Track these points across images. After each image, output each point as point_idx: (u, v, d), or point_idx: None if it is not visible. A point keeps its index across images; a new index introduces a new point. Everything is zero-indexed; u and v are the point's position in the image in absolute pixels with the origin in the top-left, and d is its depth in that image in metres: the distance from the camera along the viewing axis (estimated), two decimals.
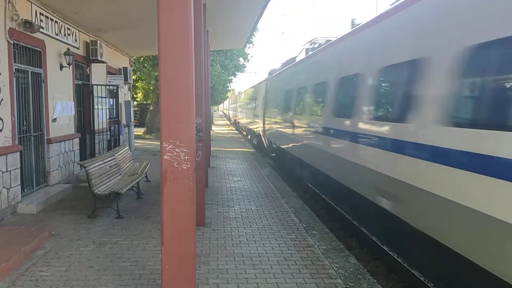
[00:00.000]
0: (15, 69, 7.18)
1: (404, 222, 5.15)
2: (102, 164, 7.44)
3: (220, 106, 65.16)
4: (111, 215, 6.90)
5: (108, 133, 12.72)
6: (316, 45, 10.99)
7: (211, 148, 15.17)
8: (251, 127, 24.15)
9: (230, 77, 27.79)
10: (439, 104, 4.39)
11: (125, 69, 14.95)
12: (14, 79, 7.07)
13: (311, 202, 10.20)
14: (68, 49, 9.33)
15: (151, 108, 24.45)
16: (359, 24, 7.65)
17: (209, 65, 15.27)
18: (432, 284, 5.35)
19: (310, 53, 10.91)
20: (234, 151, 17.77)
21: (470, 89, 4.14)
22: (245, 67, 28.89)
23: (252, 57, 39.55)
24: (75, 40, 10.15)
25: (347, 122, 7.05)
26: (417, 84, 4.84)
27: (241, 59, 27.29)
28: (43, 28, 8.16)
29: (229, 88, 32.08)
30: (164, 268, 3.70)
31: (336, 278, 4.63)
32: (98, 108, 11.80)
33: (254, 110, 22.21)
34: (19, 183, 7.16)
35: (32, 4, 7.80)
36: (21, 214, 6.98)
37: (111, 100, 13.20)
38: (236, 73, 28.65)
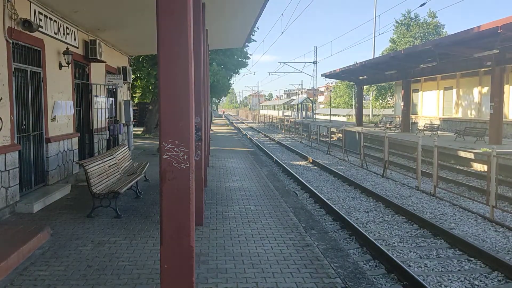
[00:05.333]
0: (14, 68, 7.16)
1: None
2: (101, 163, 7.43)
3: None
4: (110, 215, 6.89)
5: (107, 132, 12.71)
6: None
7: (210, 148, 15.16)
8: None
9: (231, 75, 27.72)
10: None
11: (124, 68, 14.93)
12: (13, 78, 7.06)
13: (310, 202, 10.22)
14: (67, 48, 9.31)
15: (150, 107, 24.43)
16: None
17: (208, 64, 15.26)
18: (430, 285, 5.36)
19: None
20: (233, 150, 17.77)
21: None
22: (247, 64, 28.78)
23: (251, 55, 39.64)
24: (74, 39, 10.13)
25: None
26: None
27: (241, 59, 27.18)
28: (42, 27, 8.14)
29: (230, 87, 31.94)
30: (163, 267, 3.69)
31: (335, 278, 4.63)
32: (97, 108, 11.79)
33: None
34: (18, 182, 7.15)
35: (31, 3, 7.78)
36: (20, 214, 6.97)
37: (110, 99, 13.18)
38: (237, 71, 28.54)
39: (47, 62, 8.49)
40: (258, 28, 26.03)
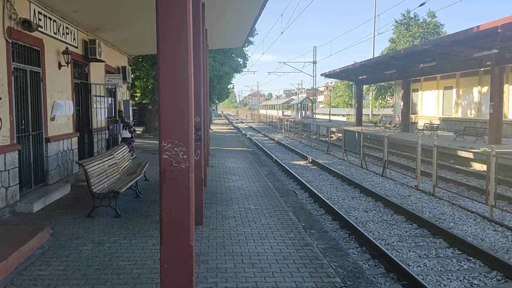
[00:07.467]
0: (14, 68, 7.17)
1: None
2: (100, 163, 7.44)
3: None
4: (110, 214, 6.90)
5: (107, 132, 12.71)
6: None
7: (210, 147, 15.17)
8: None
9: (230, 75, 27.65)
10: None
11: (124, 68, 14.92)
12: (13, 78, 7.06)
13: (309, 201, 10.23)
14: (67, 48, 9.31)
15: (149, 107, 24.45)
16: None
17: (208, 64, 15.26)
18: (429, 285, 5.37)
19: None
20: (232, 150, 17.78)
21: None
22: (245, 66, 28.74)
23: (250, 55, 39.74)
24: (74, 39, 10.13)
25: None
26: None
27: (240, 59, 27.10)
28: (41, 27, 8.14)
29: (230, 87, 31.85)
30: (162, 267, 3.70)
31: (334, 277, 4.64)
32: (96, 107, 11.79)
33: None
34: (18, 182, 7.16)
35: (31, 3, 7.78)
36: (20, 213, 6.97)
37: (109, 99, 13.18)
38: (235, 74, 28.50)
39: (47, 61, 8.49)
40: (258, 29, 26.01)
